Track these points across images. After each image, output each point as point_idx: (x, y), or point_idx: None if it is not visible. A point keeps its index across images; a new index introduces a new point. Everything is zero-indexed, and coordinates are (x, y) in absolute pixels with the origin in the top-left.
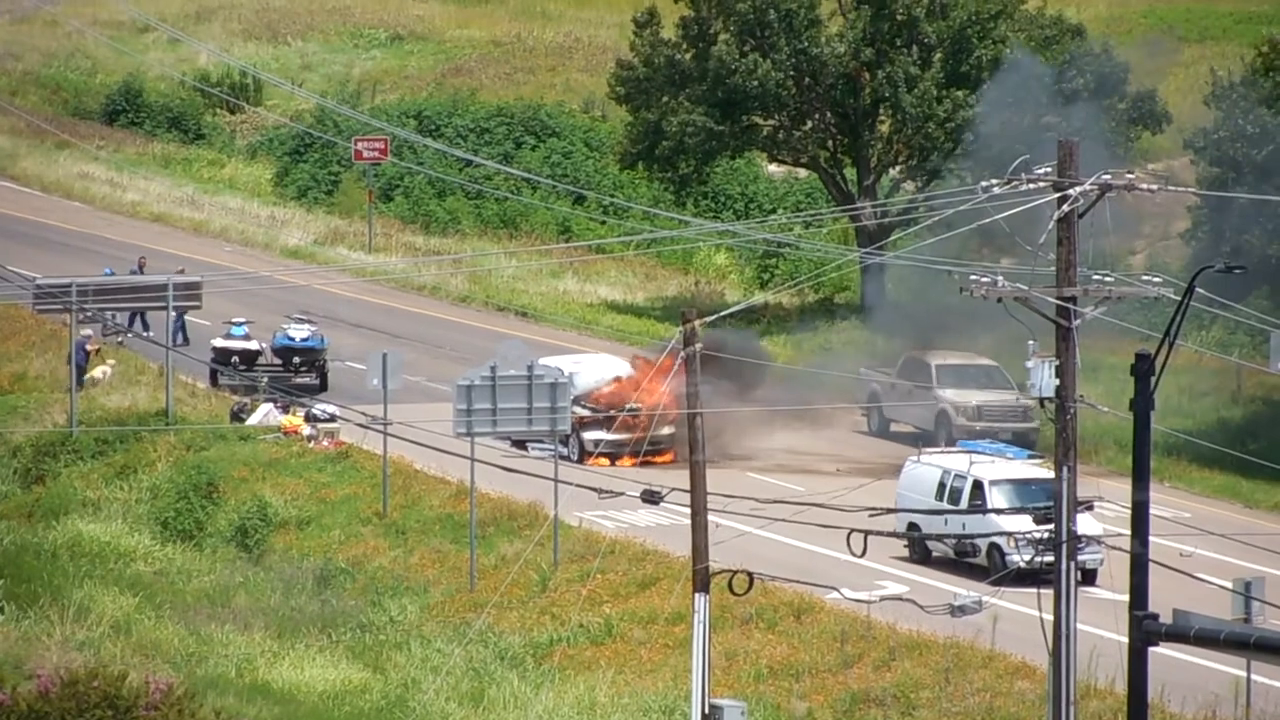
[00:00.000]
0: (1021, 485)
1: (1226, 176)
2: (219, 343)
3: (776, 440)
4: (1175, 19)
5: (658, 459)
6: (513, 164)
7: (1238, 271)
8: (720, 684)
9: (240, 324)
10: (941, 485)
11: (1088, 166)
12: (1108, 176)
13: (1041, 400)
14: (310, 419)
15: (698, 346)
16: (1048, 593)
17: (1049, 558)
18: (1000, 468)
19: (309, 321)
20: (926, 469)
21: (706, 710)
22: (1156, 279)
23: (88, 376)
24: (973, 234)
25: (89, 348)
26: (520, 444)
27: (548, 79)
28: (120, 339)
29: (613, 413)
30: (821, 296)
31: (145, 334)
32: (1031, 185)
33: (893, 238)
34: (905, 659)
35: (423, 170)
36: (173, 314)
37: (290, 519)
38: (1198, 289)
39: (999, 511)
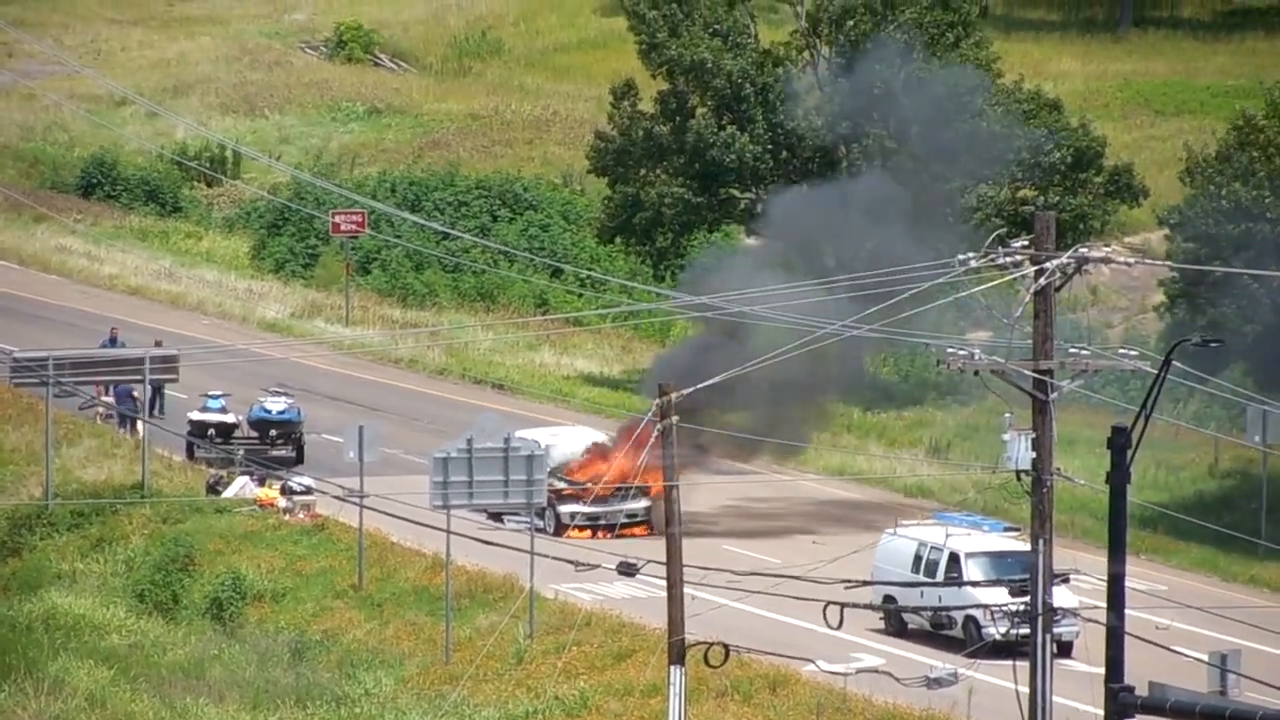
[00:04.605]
0: (997, 558)
1: (1201, 251)
2: (195, 415)
3: None
4: (1151, 93)
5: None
6: (490, 237)
7: (1214, 345)
8: None
9: (217, 397)
10: (918, 557)
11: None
12: (1085, 249)
13: (1018, 473)
14: (286, 491)
15: (674, 419)
16: (1024, 665)
17: (1025, 630)
18: (976, 540)
19: (286, 394)
20: (903, 541)
21: None
22: (1133, 352)
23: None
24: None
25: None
26: (496, 516)
27: (525, 152)
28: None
29: (588, 485)
30: None
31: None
32: (1008, 259)
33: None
34: None
35: (400, 243)
36: (148, 388)
37: (265, 591)
38: (1174, 362)
39: (975, 584)
